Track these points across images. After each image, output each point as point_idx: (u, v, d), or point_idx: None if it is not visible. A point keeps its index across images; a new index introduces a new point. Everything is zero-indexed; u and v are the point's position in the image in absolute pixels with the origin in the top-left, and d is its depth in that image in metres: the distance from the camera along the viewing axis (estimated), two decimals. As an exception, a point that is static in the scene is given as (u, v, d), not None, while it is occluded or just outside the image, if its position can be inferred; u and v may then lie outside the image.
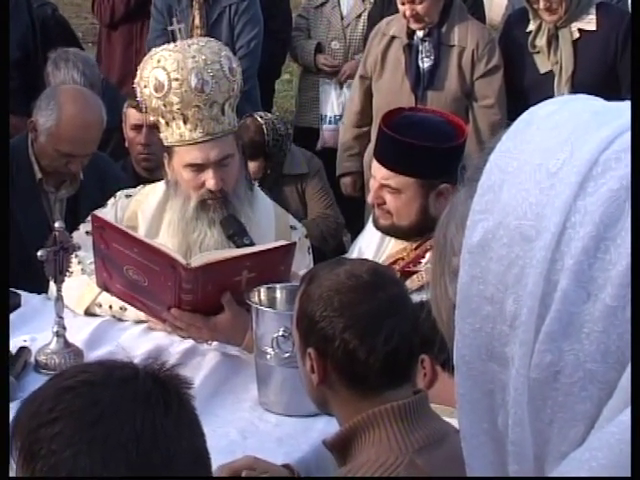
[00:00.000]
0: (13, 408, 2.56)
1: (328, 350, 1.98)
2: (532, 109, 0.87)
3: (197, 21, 5.41)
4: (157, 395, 1.36)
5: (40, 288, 3.36)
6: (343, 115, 5.50)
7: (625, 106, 0.85)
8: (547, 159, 0.81)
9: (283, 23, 5.85)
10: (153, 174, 4.17)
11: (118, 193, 3.36)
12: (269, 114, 5.14)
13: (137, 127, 4.42)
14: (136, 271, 2.85)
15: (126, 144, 4.54)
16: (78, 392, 1.36)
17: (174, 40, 5.31)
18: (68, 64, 4.74)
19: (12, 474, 2.30)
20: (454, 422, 2.21)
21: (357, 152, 5.03)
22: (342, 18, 5.71)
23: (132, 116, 4.42)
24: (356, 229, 5.49)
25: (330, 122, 5.70)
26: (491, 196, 0.83)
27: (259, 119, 4.85)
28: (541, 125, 0.84)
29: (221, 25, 5.43)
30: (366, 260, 2.64)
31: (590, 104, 0.87)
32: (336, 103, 5.70)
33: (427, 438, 1.91)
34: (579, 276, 0.78)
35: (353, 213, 5.41)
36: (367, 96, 4.96)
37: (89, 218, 3.28)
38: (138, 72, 3.12)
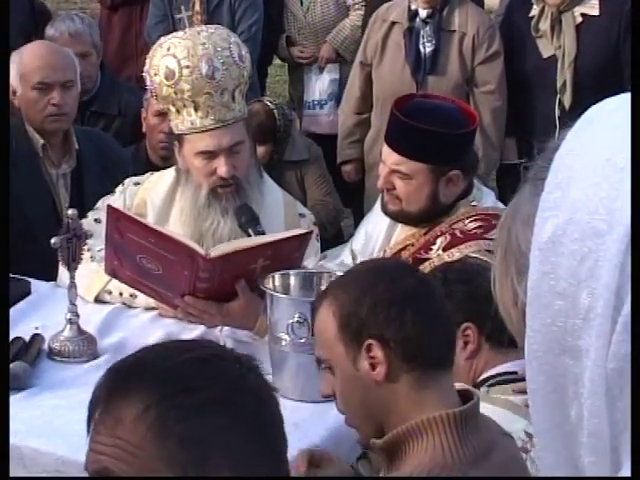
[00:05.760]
0: (29, 395, 2.63)
1: (390, 335, 1.94)
2: (593, 107, 0.89)
3: (197, 7, 5.40)
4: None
5: (44, 264, 3.37)
6: (323, 100, 5.56)
7: None
8: (615, 154, 0.83)
9: (277, 8, 5.85)
10: (168, 162, 4.17)
11: (126, 180, 3.36)
12: (276, 100, 5.16)
13: (161, 114, 4.39)
14: (150, 260, 2.87)
15: (144, 129, 4.50)
16: (218, 364, 1.35)
17: (174, 27, 5.36)
18: (65, 18, 4.83)
19: (12, 474, 2.35)
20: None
21: (358, 139, 5.04)
22: (301, 4, 5.72)
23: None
24: (357, 214, 5.53)
25: (309, 107, 5.72)
26: (559, 193, 0.85)
27: (269, 104, 4.86)
28: (605, 122, 0.86)
29: (222, 10, 5.42)
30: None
31: None
32: (316, 88, 5.72)
33: (478, 449, 1.88)
34: None
35: (352, 198, 5.44)
36: (367, 82, 4.97)
37: (97, 205, 3.30)
38: (147, 60, 3.13)
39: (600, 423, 0.82)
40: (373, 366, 1.96)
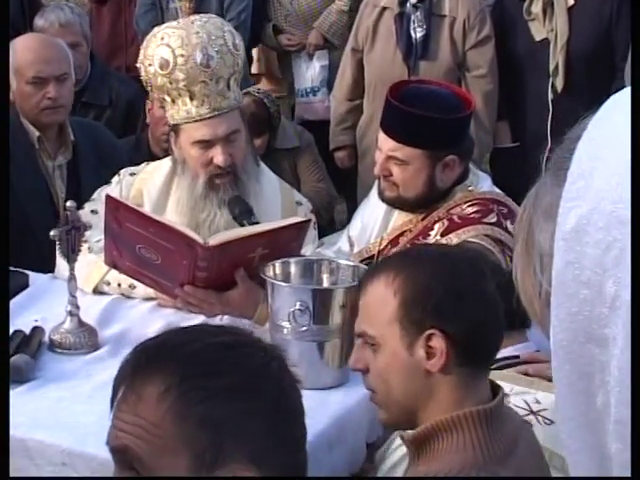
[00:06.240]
0: (32, 388, 2.64)
1: (454, 329, 1.91)
2: (614, 96, 0.89)
3: (185, -6, 5.39)
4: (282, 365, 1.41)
5: (41, 256, 3.38)
6: (316, 86, 5.56)
7: None
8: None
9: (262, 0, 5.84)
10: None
11: (122, 171, 3.36)
12: (260, 88, 5.16)
13: None
14: (149, 249, 2.87)
15: (147, 120, 4.49)
16: (242, 351, 1.37)
17: (163, 15, 5.35)
18: (55, 8, 4.82)
19: (19, 467, 2.35)
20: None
21: (350, 125, 5.06)
22: None
23: None
24: (349, 200, 5.54)
25: (302, 95, 5.72)
26: (582, 183, 0.85)
27: (257, 94, 4.86)
28: (626, 110, 0.86)
29: (210, -2, 5.42)
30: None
31: None
32: (307, 75, 5.72)
33: (506, 445, 1.86)
34: None
35: (344, 184, 5.45)
36: (359, 69, 4.98)
37: (94, 196, 3.30)
38: (141, 51, 3.12)
39: (627, 411, 0.82)
40: (429, 355, 1.93)
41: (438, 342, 1.92)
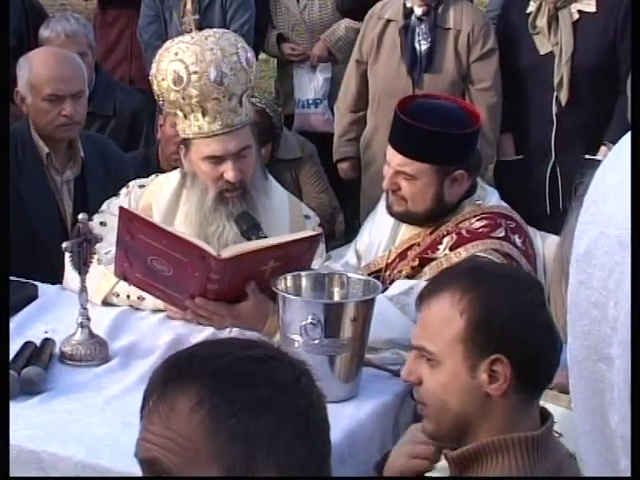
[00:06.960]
0: (44, 400, 2.65)
1: (519, 356, 1.91)
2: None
3: (189, 6, 5.41)
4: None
5: (50, 269, 3.39)
6: (318, 99, 5.58)
7: None
8: None
9: (261, 7, 5.84)
10: None
11: (131, 183, 3.38)
12: (262, 97, 5.17)
13: None
14: (160, 261, 2.89)
15: (158, 136, 4.50)
16: (271, 364, 1.39)
17: (166, 27, 5.37)
18: (61, 19, 4.83)
19: (12, 474, 2.36)
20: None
21: (354, 137, 5.06)
22: (298, 1, 5.70)
23: None
24: (350, 211, 5.56)
25: (303, 106, 5.73)
26: (595, 209, 0.89)
27: (258, 104, 4.86)
28: None
29: (214, 9, 5.44)
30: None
31: None
32: (309, 87, 5.73)
33: (548, 475, 1.86)
34: None
35: (344, 195, 5.46)
36: (363, 80, 4.99)
37: (102, 208, 3.32)
38: (154, 65, 3.12)
39: (628, 428, 0.85)
40: (490, 379, 1.93)
41: (502, 367, 1.92)
